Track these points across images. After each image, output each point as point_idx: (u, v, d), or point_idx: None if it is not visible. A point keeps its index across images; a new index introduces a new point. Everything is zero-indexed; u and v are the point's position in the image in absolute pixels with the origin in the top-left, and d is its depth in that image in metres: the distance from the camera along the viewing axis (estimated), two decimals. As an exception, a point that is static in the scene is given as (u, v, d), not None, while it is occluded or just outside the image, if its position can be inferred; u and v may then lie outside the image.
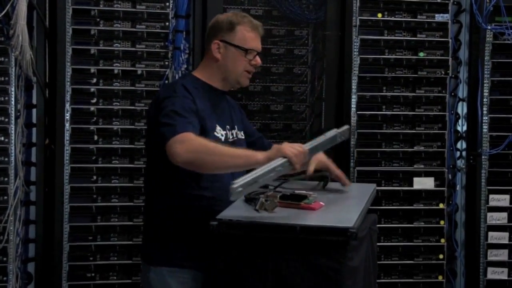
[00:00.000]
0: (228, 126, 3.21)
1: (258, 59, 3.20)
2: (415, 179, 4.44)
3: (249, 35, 3.17)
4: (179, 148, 2.79)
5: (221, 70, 3.19)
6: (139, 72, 4.17)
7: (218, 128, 3.11)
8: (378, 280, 4.08)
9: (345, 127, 3.32)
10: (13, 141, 3.99)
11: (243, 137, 3.33)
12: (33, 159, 4.12)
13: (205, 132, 3.02)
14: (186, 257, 3.05)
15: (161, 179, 3.10)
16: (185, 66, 4.19)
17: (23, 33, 3.88)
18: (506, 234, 4.49)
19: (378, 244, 4.16)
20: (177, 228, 3.07)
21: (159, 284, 3.09)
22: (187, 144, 2.79)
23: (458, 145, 4.57)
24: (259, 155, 2.81)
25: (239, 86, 3.30)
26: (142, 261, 3.27)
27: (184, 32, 4.21)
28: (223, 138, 3.12)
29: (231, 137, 3.20)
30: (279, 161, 2.77)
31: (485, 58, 4.45)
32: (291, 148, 2.80)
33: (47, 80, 4.13)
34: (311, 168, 3.17)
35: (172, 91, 3.06)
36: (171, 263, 3.07)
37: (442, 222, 4.47)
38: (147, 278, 3.15)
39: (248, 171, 2.72)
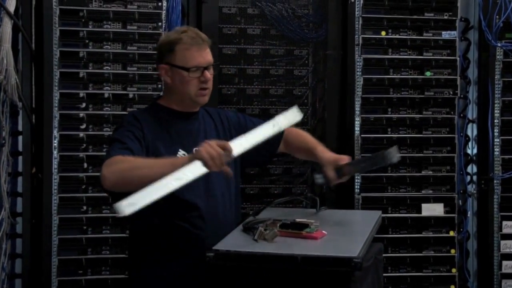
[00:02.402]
0: (196, 149, 3.17)
1: (206, 74, 3.10)
2: (424, 206, 4.44)
3: (188, 52, 3.09)
4: (105, 171, 2.86)
5: (176, 93, 3.17)
6: (130, 95, 4.20)
7: (181, 152, 3.11)
8: (385, 313, 4.10)
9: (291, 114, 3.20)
10: (-3, 170, 4.01)
11: None
12: (19, 189, 4.13)
13: (160, 156, 3.03)
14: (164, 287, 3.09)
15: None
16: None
17: (8, 56, 3.90)
18: (521, 263, 4.50)
19: (385, 274, 4.17)
20: (154, 257, 3.11)
21: None
22: (112, 167, 2.85)
23: (469, 169, 4.58)
24: (182, 158, 2.90)
25: (199, 105, 3.23)
26: None
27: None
28: None
29: None
30: (190, 166, 2.73)
31: (496, 77, 4.47)
32: (209, 150, 2.72)
33: (33, 106, 4.16)
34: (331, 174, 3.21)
35: (121, 123, 3.16)
36: None
37: (453, 251, 4.47)
38: None
39: None
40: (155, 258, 3.10)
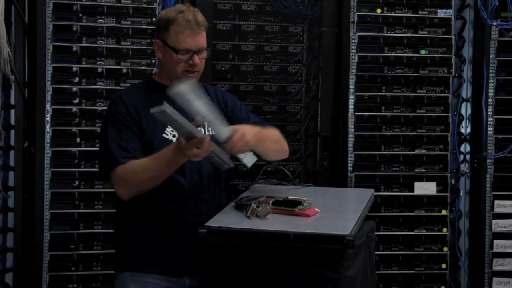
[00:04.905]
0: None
1: (195, 58, 3.09)
2: (416, 184, 4.45)
3: (181, 34, 3.08)
4: (120, 190, 3.07)
5: (166, 70, 3.19)
6: (124, 70, 4.19)
7: (168, 129, 3.11)
8: (377, 291, 4.11)
9: None
10: (-10, 144, 3.99)
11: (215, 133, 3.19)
12: (12, 163, 4.12)
13: (151, 135, 3.08)
14: (148, 261, 3.10)
15: None
16: (173, 64, 4.20)
17: (0, 29, 3.88)
18: (512, 242, 4.52)
19: (376, 252, 4.18)
20: (138, 232, 3.13)
21: None
22: (123, 184, 3.04)
23: (462, 148, 4.59)
24: (171, 149, 2.92)
25: None
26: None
27: (172, 28, 4.23)
28: (174, 139, 3.10)
29: None
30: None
31: (490, 56, 4.48)
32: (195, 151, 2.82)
33: (26, 79, 4.14)
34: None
35: (109, 105, 3.21)
36: (133, 268, 3.12)
37: (444, 230, 4.48)
38: (114, 286, 3.24)
39: None
40: (137, 233, 3.13)
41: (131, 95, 3.16)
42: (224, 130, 2.92)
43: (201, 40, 3.12)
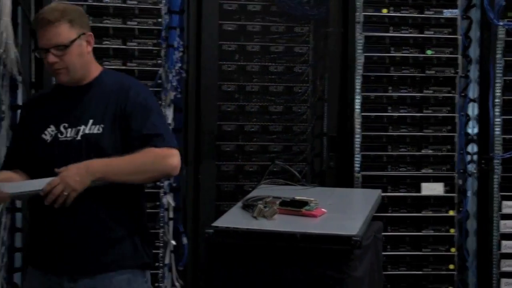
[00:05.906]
0: (65, 124, 2.97)
1: (48, 56, 2.90)
2: (423, 185, 4.43)
3: (38, 33, 2.97)
4: None
5: None
6: (130, 71, 4.17)
7: (50, 128, 2.97)
8: (384, 292, 4.10)
9: None
10: (-3, 144, 3.98)
11: (99, 132, 2.93)
12: (18, 163, 4.11)
13: (32, 137, 3.00)
14: (32, 256, 3.10)
15: None
16: (179, 64, 4.20)
17: (7, 30, 3.89)
18: (520, 243, 4.50)
19: (384, 253, 4.16)
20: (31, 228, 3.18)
21: None
22: None
23: (469, 149, 4.58)
24: None
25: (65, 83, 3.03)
26: None
27: (178, 29, 4.22)
28: (50, 139, 2.95)
29: (69, 135, 2.94)
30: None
31: (497, 56, 4.45)
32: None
33: (33, 80, 4.14)
34: None
35: None
36: (28, 262, 3.17)
37: (452, 230, 4.46)
38: None
39: None
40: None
41: (33, 100, 3.25)
42: (35, 185, 2.83)
43: (55, 37, 2.92)
